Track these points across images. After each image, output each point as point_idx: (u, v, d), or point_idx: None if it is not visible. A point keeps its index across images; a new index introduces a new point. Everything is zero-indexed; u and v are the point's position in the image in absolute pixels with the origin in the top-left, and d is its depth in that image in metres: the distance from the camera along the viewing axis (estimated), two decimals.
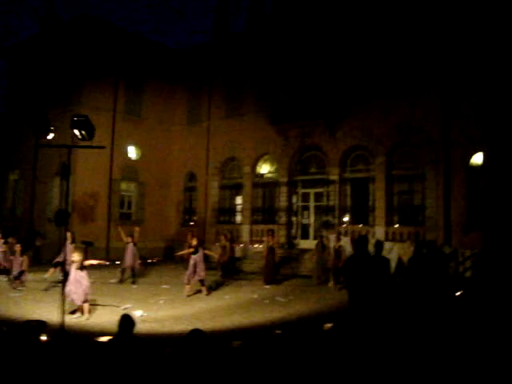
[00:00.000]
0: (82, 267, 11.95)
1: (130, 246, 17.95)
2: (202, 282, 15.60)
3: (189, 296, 15.23)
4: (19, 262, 16.31)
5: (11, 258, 16.91)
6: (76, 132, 8.20)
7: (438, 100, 20.30)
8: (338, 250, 17.98)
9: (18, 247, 16.72)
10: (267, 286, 17.82)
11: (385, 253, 10.43)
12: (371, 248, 8.73)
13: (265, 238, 20.37)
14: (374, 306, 8.14)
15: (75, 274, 11.86)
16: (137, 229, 19.05)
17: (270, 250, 18.95)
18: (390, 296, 8.57)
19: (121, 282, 17.93)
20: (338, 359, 8.17)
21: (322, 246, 18.84)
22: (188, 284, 15.44)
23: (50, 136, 9.15)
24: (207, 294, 15.51)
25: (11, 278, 16.35)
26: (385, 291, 8.21)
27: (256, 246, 23.95)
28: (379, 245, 8.77)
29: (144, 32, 37.37)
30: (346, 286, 10.10)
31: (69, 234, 15.22)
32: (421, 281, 10.96)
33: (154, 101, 28.76)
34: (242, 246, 24.74)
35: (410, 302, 10.57)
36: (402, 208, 21.88)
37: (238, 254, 23.35)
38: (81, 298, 11.75)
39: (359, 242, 8.68)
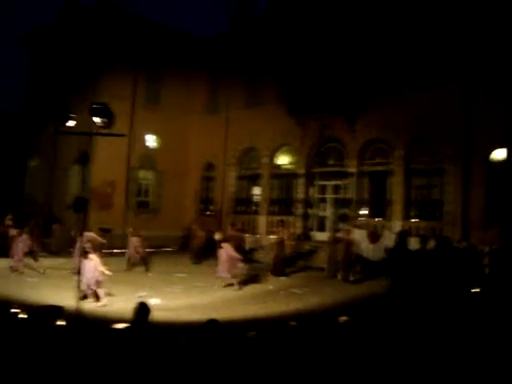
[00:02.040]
0: (93, 253, 12.11)
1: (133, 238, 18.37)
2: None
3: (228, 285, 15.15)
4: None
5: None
6: (96, 119, 8.22)
7: (459, 94, 20.00)
8: (349, 244, 17.65)
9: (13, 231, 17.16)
10: (283, 278, 17.78)
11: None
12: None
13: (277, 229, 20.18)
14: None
15: (87, 260, 12.03)
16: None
17: (280, 243, 18.84)
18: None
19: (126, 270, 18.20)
20: (353, 352, 8.14)
21: (334, 238, 18.66)
22: (234, 277, 15.26)
23: (70, 123, 9.17)
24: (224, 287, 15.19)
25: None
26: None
27: (272, 236, 23.89)
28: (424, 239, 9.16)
29: (164, 20, 37.35)
30: (390, 276, 10.27)
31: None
32: (428, 276, 10.85)
33: (173, 89, 28.68)
34: (257, 236, 24.75)
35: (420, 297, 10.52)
36: (419, 202, 21.65)
37: (250, 244, 23.46)
38: (90, 284, 11.87)
39: (400, 235, 9.26)
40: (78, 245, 14.56)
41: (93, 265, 12.04)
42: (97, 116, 8.21)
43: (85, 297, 12.15)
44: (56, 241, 22.85)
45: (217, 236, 17.63)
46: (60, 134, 12.14)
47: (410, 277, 8.77)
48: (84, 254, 12.09)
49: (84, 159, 8.00)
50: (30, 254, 17.76)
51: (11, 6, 78.34)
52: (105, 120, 8.22)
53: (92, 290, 11.97)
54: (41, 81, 29.75)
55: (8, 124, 35.17)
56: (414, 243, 14.03)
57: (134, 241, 18.37)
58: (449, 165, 20.28)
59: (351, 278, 17.13)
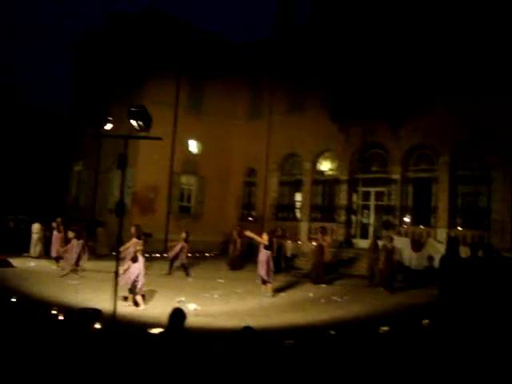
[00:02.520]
0: (135, 258, 12.15)
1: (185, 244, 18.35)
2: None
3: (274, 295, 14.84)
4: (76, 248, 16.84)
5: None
6: (133, 122, 8.22)
7: (507, 98, 19.40)
8: (390, 251, 17.00)
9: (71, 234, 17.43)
10: (323, 285, 17.50)
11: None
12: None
13: (316, 236, 19.83)
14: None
15: (129, 264, 12.13)
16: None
17: (320, 249, 18.53)
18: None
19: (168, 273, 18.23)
20: (393, 364, 7.88)
21: (374, 246, 18.22)
22: (268, 283, 14.87)
23: (108, 126, 9.21)
24: (272, 296, 14.80)
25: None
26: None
27: (313, 243, 23.66)
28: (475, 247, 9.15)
29: (206, 25, 37.70)
30: (440, 285, 10.17)
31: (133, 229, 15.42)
32: (479, 285, 10.51)
33: (216, 95, 28.79)
34: (299, 243, 24.58)
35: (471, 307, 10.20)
36: (465, 210, 21.08)
37: (292, 251, 23.30)
38: (127, 286, 11.95)
39: (451, 243, 9.30)
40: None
41: (137, 267, 12.11)
42: (134, 119, 8.21)
43: (126, 298, 12.23)
44: (100, 244, 23.20)
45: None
46: (98, 138, 12.23)
47: (462, 286, 8.58)
48: (133, 257, 12.22)
49: (122, 162, 7.99)
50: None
51: (60, 16, 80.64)
52: (142, 123, 8.21)
53: (135, 293, 12.03)
54: (86, 87, 30.38)
55: (57, 131, 36.26)
56: (462, 252, 13.64)
57: (185, 246, 18.34)
58: (497, 171, 19.68)
59: (393, 287, 16.73)
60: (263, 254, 14.88)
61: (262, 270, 14.80)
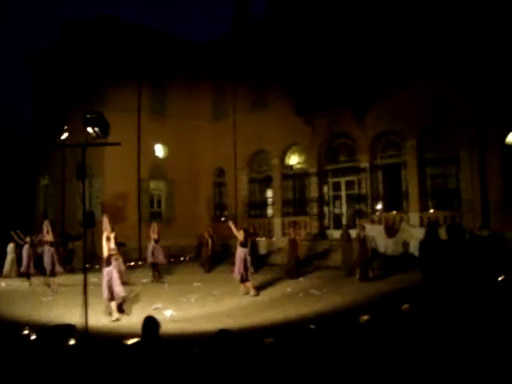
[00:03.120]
0: (107, 263, 11.86)
1: (151, 244, 18.40)
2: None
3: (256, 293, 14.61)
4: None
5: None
6: (89, 129, 7.95)
7: (470, 78, 19.52)
8: (363, 240, 16.93)
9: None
10: (301, 279, 17.42)
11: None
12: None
13: (289, 231, 19.74)
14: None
15: (104, 271, 11.83)
16: (155, 224, 19.19)
17: (292, 244, 18.42)
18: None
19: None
20: (375, 352, 7.78)
21: (347, 236, 18.14)
22: (247, 281, 14.60)
23: (64, 136, 8.94)
24: (256, 295, 14.52)
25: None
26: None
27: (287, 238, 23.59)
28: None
29: (164, 27, 37.34)
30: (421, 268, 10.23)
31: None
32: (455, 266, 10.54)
33: (179, 98, 28.51)
34: (273, 239, 24.45)
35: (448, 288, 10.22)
36: (436, 192, 21.24)
37: (266, 248, 23.19)
38: (104, 295, 11.63)
39: (431, 227, 9.54)
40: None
41: (109, 271, 11.80)
42: (91, 126, 7.95)
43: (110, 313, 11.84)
44: (77, 258, 22.67)
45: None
46: (54, 148, 11.92)
47: (443, 269, 8.65)
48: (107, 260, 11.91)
49: (80, 172, 7.69)
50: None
51: (14, 29, 79.25)
52: (98, 130, 7.95)
53: (105, 299, 11.70)
54: (45, 98, 29.69)
55: (20, 148, 35.77)
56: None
57: (156, 246, 18.40)
58: (464, 151, 19.85)
59: (370, 275, 16.67)
60: (240, 252, 14.70)
61: (236, 269, 14.63)
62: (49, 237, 17.04)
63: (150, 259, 18.52)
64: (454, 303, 9.00)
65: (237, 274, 14.63)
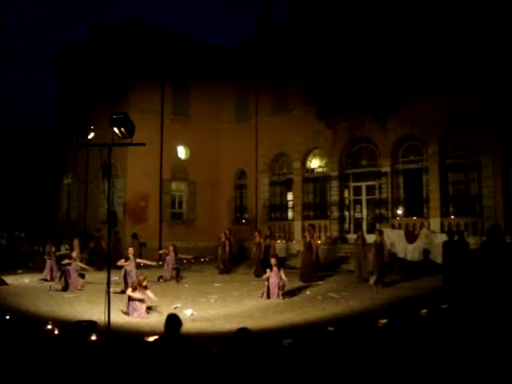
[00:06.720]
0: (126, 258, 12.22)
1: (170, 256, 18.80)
2: None
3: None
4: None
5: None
6: (115, 130, 8.15)
7: (494, 85, 19.46)
8: (380, 245, 16.54)
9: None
10: (320, 282, 17.45)
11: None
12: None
13: (305, 234, 19.41)
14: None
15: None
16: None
17: (309, 247, 18.32)
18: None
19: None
20: (393, 355, 7.83)
21: (362, 241, 17.73)
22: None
23: (91, 135, 9.14)
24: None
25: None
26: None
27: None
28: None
29: (188, 30, 37.62)
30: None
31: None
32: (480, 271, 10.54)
33: (202, 100, 28.74)
34: (293, 242, 24.51)
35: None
36: (457, 198, 21.15)
37: (285, 251, 23.24)
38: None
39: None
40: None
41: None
42: (117, 126, 8.13)
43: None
44: (93, 256, 23.01)
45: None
46: (80, 147, 12.13)
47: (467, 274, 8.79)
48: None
49: (106, 171, 7.83)
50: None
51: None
52: (124, 130, 8.13)
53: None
54: (71, 100, 30.16)
55: (44, 148, 36.43)
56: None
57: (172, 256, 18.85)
58: (486, 158, 19.74)
59: (386, 281, 16.47)
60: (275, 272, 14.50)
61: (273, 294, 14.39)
62: (74, 253, 17.45)
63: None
64: (478, 309, 9.00)
65: (276, 298, 14.38)
